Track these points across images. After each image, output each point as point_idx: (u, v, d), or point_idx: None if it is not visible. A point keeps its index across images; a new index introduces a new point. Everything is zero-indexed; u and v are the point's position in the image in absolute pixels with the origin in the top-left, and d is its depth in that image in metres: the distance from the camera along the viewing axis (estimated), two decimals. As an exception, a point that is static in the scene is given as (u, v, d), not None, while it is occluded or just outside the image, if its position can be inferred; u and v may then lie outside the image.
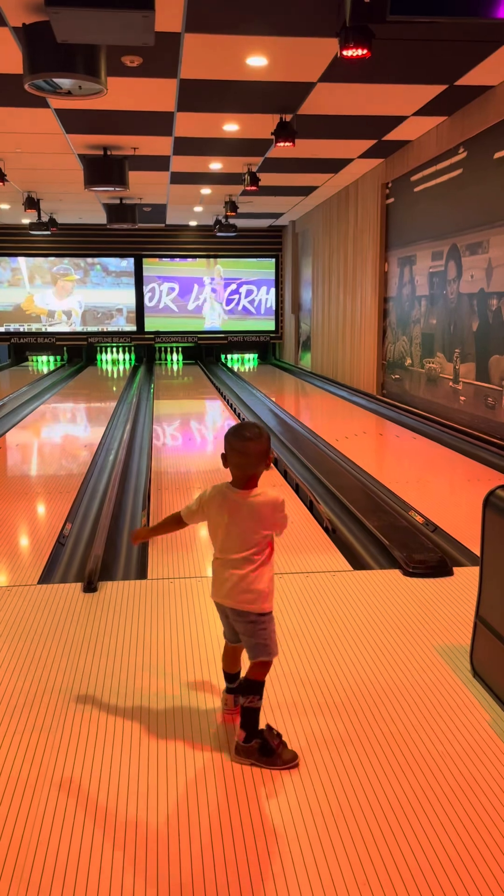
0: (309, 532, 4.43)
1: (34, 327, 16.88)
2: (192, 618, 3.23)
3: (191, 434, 8.07)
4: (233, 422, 8.62)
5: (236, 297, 17.35)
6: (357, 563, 3.95)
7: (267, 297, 17.41)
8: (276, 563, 3.83)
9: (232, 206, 12.21)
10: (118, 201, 12.27)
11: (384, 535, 4.23)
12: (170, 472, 6.06)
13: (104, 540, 4.16)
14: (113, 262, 16.83)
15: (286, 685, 2.67)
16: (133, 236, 16.52)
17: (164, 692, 2.64)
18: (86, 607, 3.36)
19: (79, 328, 16.97)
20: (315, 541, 4.28)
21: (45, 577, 3.77)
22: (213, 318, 17.32)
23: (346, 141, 8.76)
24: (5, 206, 13.37)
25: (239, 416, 8.95)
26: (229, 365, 16.95)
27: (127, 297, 17.01)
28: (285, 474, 5.83)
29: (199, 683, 2.69)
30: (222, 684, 2.66)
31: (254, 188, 9.69)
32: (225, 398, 10.69)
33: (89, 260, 16.72)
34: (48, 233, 13.47)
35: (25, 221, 14.74)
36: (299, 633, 3.08)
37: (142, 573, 3.83)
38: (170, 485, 5.59)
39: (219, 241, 16.55)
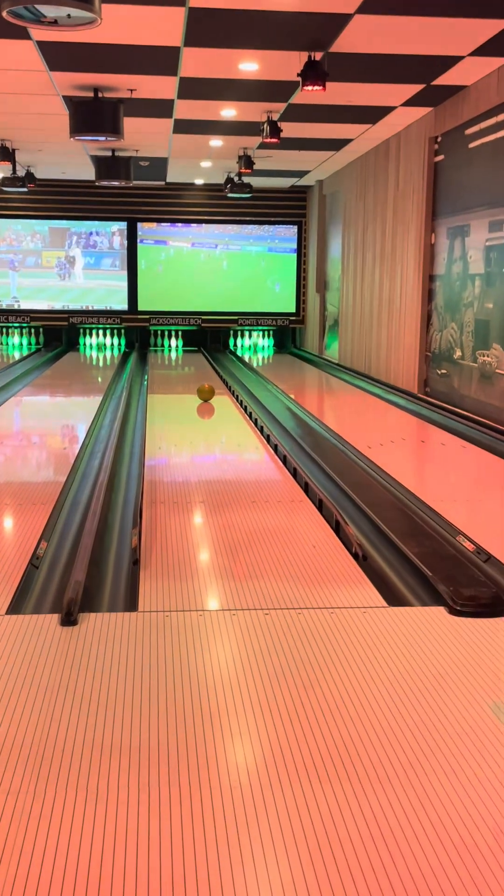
0: (334, 559, 4.42)
1: (3, 303, 16.98)
2: (190, 659, 3.23)
3: (192, 437, 8.09)
4: (243, 422, 8.64)
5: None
6: (393, 598, 3.94)
7: (286, 271, 17.45)
8: (293, 596, 3.87)
9: (247, 161, 12.25)
10: (110, 153, 12.34)
11: (426, 565, 4.22)
12: (166, 481, 6.07)
13: (86, 563, 4.17)
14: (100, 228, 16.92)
15: (305, 747, 2.66)
16: (126, 195, 16.60)
17: (157, 749, 2.64)
18: (63, 644, 3.37)
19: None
20: (342, 570, 4.27)
21: (15, 607, 3.79)
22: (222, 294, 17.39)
23: (387, 85, 8.78)
24: (-26, 157, 13.47)
25: (250, 415, 8.96)
26: (239, 353, 17.00)
27: (116, 271, 17.09)
28: (306, 488, 5.83)
29: (198, 738, 2.69)
30: (225, 737, 2.66)
31: (274, 140, 9.73)
32: (233, 394, 10.71)
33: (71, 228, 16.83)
34: (24, 190, 13.57)
35: (-3, 176, 14.84)
36: (320, 683, 3.07)
37: (131, 604, 3.83)
38: (166, 497, 5.60)
39: (230, 203, 16.61)
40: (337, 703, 2.94)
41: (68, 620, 3.56)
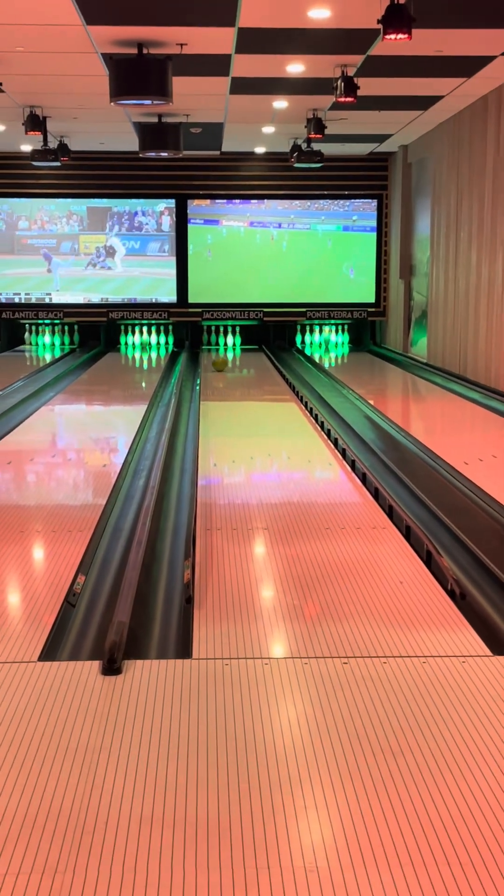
0: (426, 597, 4.39)
1: (33, 297, 17.28)
2: (253, 717, 3.23)
3: (253, 451, 8.11)
4: (313, 434, 8.64)
5: (320, 254, 17.48)
6: (497, 645, 3.89)
7: (364, 254, 17.44)
8: (376, 641, 3.84)
9: (317, 125, 12.30)
10: (156, 120, 12.51)
11: (538, 606, 4.16)
12: (223, 504, 6.10)
13: (131, 601, 4.21)
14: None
15: (392, 826, 2.64)
16: (175, 168, 16.80)
17: (216, 823, 2.64)
18: (105, 696, 3.40)
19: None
20: (435, 610, 4.23)
21: (49, 652, 3.84)
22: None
23: (484, 31, 8.73)
24: (-1, 128, 13.79)
25: (322, 425, 8.95)
26: (308, 352, 17.02)
27: (162, 258, 17.27)
28: (390, 512, 5.79)
29: (265, 811, 2.68)
30: (298, 811, 2.65)
31: (349, 99, 9.74)
32: (302, 400, 10.71)
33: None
34: (56, 164, 13.82)
35: (25, 148, 15.15)
36: (411, 748, 3.04)
37: (184, 650, 3.86)
38: (224, 523, 5.63)
39: (297, 174, 16.67)
40: (432, 772, 2.91)
41: (111, 668, 3.59)
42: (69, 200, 17.11)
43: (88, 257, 17.26)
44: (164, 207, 17.20)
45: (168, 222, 17.22)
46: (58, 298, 17.29)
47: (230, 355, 16.60)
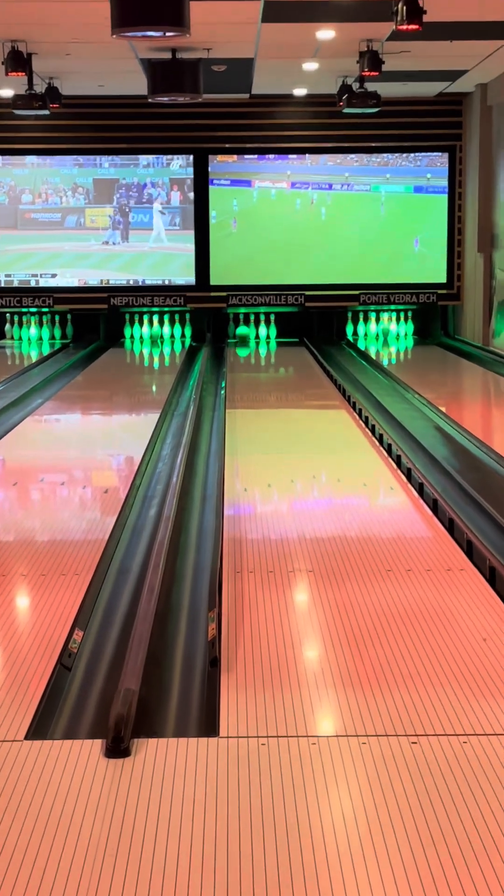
0: (516, 659, 4.37)
1: (16, 279, 17.38)
2: (298, 808, 3.21)
3: (293, 471, 8.10)
4: (369, 449, 8.61)
5: (377, 222, 17.47)
6: None
7: (432, 221, 17.42)
8: (454, 715, 3.80)
9: (373, 59, 12.30)
10: (169, 56, 12.57)
11: None
12: (255, 540, 6.10)
13: (142, 663, 4.21)
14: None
15: None
16: (193, 117, 16.86)
17: None
18: (110, 783, 3.40)
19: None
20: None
21: (39, 729, 3.85)
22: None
23: None
24: (-28, 68, 13.91)
25: (380, 438, 8.92)
26: (361, 346, 16.99)
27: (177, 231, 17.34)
28: (469, 549, 5.77)
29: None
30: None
31: (413, 26, 9.72)
32: (355, 407, 10.70)
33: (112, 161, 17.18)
34: (45, 113, 13.90)
35: (5, 94, 15.27)
36: (499, 849, 3.01)
37: (209, 725, 3.85)
38: (257, 564, 5.62)
39: (347, 122, 16.67)
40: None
41: (117, 749, 3.59)
42: (74, 171, 17.22)
43: (96, 232, 17.32)
44: (176, 175, 17.23)
45: (179, 197, 17.26)
46: (47, 281, 17.32)
47: (262, 351, 16.62)
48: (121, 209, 17.36)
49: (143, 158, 17.31)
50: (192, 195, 17.25)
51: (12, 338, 17.64)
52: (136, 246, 17.47)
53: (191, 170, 17.23)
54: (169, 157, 17.26)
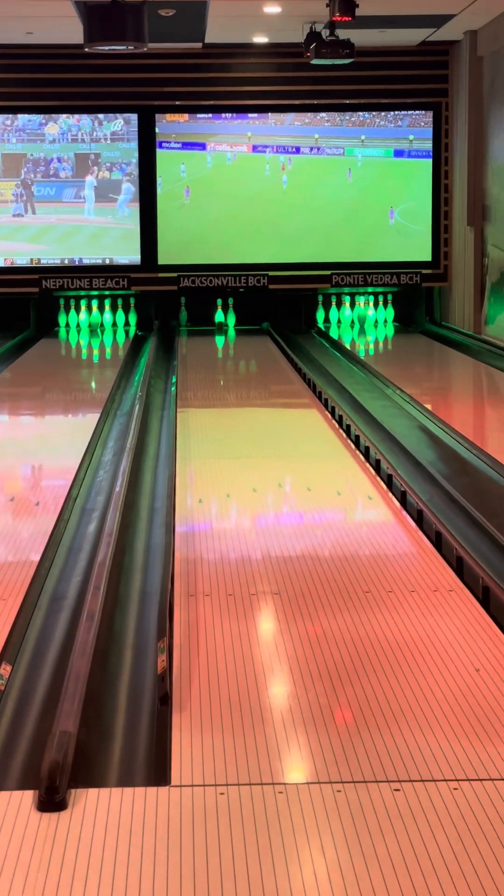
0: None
1: None
2: (263, 868, 3.21)
3: (257, 480, 8.12)
4: (343, 453, 8.62)
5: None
6: None
7: (415, 189, 17.50)
8: (443, 758, 3.81)
9: (344, 2, 12.34)
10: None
11: None
12: (212, 560, 6.10)
13: (80, 701, 4.20)
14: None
15: None
16: (137, 70, 16.86)
17: None
18: (43, 841, 3.39)
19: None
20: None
21: (-41, 778, 3.84)
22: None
23: None
24: None
25: (356, 440, 8.95)
26: (334, 335, 17.04)
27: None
28: (459, 567, 5.79)
29: None
30: None
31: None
32: (327, 404, 10.74)
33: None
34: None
35: None
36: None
37: (159, 772, 3.84)
38: (214, 587, 5.63)
39: (316, 75, 16.72)
40: None
41: (51, 801, 3.57)
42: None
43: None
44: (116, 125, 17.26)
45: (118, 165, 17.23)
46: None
47: (219, 341, 16.63)
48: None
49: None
50: (134, 160, 17.23)
51: None
52: (59, 218, 17.39)
53: (134, 130, 17.21)
54: (108, 115, 17.24)
